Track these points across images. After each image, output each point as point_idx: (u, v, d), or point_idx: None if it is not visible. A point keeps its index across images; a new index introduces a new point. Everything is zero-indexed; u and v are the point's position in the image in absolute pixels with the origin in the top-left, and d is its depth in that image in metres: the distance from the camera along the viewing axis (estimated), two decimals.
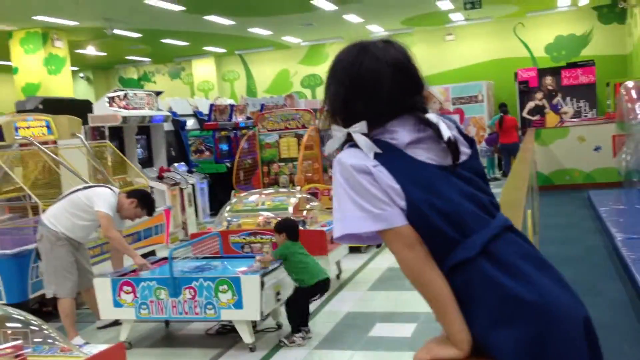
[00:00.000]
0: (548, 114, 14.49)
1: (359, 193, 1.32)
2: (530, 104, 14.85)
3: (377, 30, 17.47)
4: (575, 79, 14.61)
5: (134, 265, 4.89)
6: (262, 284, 4.31)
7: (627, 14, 15.68)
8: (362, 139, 1.37)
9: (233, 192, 7.92)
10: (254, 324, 4.57)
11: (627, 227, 6.24)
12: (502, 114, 12.65)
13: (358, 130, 1.38)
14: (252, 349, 4.38)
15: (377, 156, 1.35)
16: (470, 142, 1.45)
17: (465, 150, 1.42)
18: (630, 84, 9.01)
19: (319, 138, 8.05)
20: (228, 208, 6.44)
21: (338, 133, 1.42)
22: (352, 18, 15.34)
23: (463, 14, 15.99)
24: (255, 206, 6.46)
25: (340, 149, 1.42)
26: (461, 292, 1.30)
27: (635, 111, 8.47)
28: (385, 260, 6.68)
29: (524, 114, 14.75)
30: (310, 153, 7.96)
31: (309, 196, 6.54)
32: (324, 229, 5.66)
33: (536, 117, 14.52)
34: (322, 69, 19.81)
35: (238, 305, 4.33)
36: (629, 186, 8.72)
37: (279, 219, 5.13)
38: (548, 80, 14.78)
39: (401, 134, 1.38)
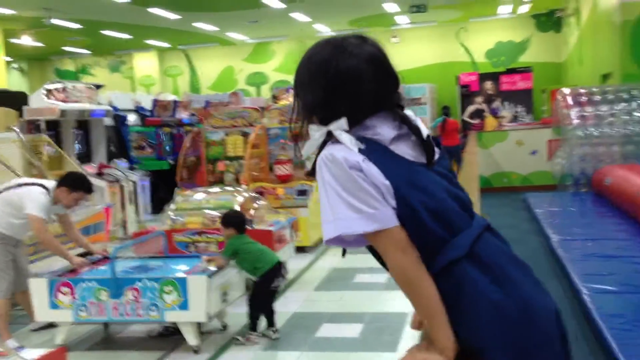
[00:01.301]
0: (487, 118, 14.89)
1: (350, 191, 1.27)
2: (471, 108, 15.23)
3: (324, 30, 17.51)
4: (514, 84, 15.08)
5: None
6: (210, 285, 4.23)
7: (563, 23, 16.28)
8: (345, 136, 1.32)
9: (177, 190, 7.75)
10: (199, 326, 4.48)
11: (562, 228, 6.46)
12: (444, 116, 12.90)
13: (338, 127, 1.34)
14: (196, 351, 4.29)
15: (361, 152, 1.30)
16: (437, 141, 1.44)
17: (436, 149, 1.41)
18: (566, 91, 9.36)
19: (266, 136, 7.98)
20: (172, 206, 6.30)
21: (316, 133, 1.37)
22: (299, 17, 15.31)
23: (408, 17, 16.23)
24: (200, 205, 6.34)
25: (320, 150, 1.37)
26: (447, 296, 1.29)
27: (570, 117, 8.79)
28: (330, 260, 6.70)
29: (465, 117, 15.12)
30: (257, 152, 7.88)
31: (255, 195, 6.47)
32: (271, 228, 5.60)
33: (476, 121, 14.90)
34: (268, 67, 19.78)
35: (184, 306, 4.23)
36: (563, 189, 9.06)
37: (226, 212, 5.00)
38: (488, 84, 15.21)
39: (384, 130, 1.34)
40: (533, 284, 1.34)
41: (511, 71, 15.45)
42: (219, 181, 8.12)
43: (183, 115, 11.43)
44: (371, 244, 1.34)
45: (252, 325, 4.46)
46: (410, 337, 4.30)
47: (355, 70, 1.34)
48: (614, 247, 5.43)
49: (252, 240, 4.58)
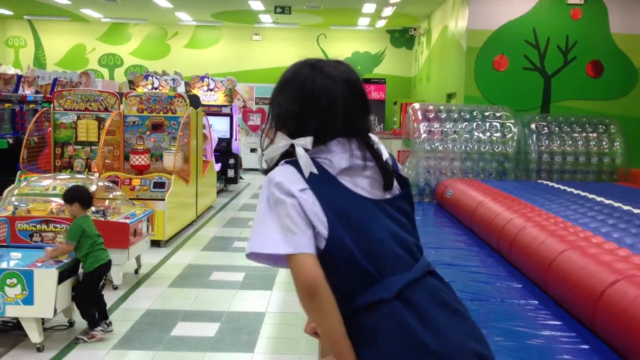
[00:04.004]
0: None
1: (276, 213, 1.31)
2: None
3: (185, 19, 17.07)
4: (369, 94, 15.66)
5: None
6: (60, 279, 3.97)
7: (415, 41, 17.37)
8: (304, 155, 1.35)
9: (19, 173, 7.15)
10: (42, 321, 4.19)
11: None
12: None
13: (303, 144, 1.36)
14: (39, 349, 4.01)
15: (309, 180, 1.33)
16: (404, 182, 1.46)
17: (395, 186, 1.44)
18: (417, 105, 9.99)
19: (122, 123, 7.62)
20: (15, 191, 5.81)
21: (282, 141, 1.39)
22: (161, 2, 14.78)
23: (272, 17, 16.35)
24: (46, 191, 5.91)
25: (277, 162, 1.40)
26: (369, 332, 1.31)
27: (419, 131, 9.42)
28: (186, 256, 6.57)
29: None
30: (112, 139, 7.50)
31: (110, 184, 6.16)
32: (128, 221, 5.38)
33: None
34: (124, 50, 18.88)
35: (28, 301, 3.93)
36: None
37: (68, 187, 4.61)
38: None
39: (336, 158, 1.37)
40: (460, 329, 1.34)
41: (366, 81, 16.16)
42: (67, 167, 7.63)
43: (27, 91, 10.54)
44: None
45: (91, 322, 4.25)
46: (267, 338, 4.37)
47: (330, 90, 1.39)
48: (452, 256, 5.90)
49: (93, 224, 4.37)
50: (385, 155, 1.43)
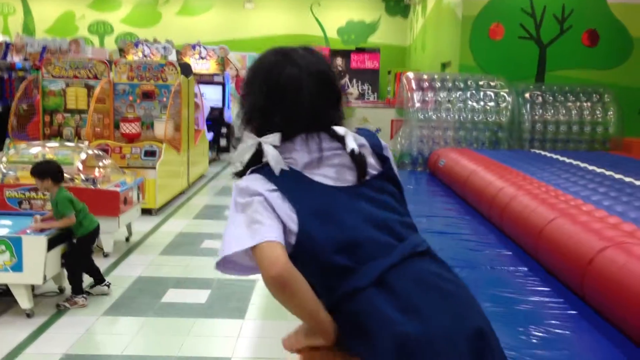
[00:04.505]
0: None
1: (244, 212, 1.27)
2: None
3: None
4: (362, 63, 15.67)
5: None
6: (50, 246, 3.95)
7: (411, 10, 17.17)
8: (272, 152, 1.31)
9: (8, 141, 7.07)
10: (32, 288, 4.18)
11: None
12: None
13: (270, 141, 1.32)
14: (29, 315, 4.01)
15: (277, 178, 1.30)
16: (383, 159, 1.41)
17: (373, 166, 1.37)
18: (411, 75, 9.91)
19: (112, 92, 7.53)
20: (4, 159, 5.75)
21: (250, 141, 1.35)
22: None
23: None
24: (35, 158, 5.86)
25: (247, 164, 1.37)
26: (352, 322, 1.26)
27: (413, 100, 9.36)
28: (178, 224, 6.56)
29: None
30: (102, 107, 7.41)
31: (100, 153, 6.10)
32: (118, 189, 5.35)
33: None
34: (114, 17, 18.59)
35: (17, 267, 3.92)
36: (402, 167, 9.66)
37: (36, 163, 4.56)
38: (338, 61, 15.62)
39: (298, 155, 1.33)
40: (449, 311, 1.25)
41: (360, 50, 16.02)
42: (57, 135, 7.55)
43: (16, 59, 10.40)
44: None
45: (77, 288, 4.25)
46: (257, 304, 4.38)
47: (296, 80, 1.34)
48: (444, 224, 5.90)
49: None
50: (351, 145, 1.35)
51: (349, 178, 1.34)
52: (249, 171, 1.37)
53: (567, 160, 7.26)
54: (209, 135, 10.56)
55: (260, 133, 1.36)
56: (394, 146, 10.67)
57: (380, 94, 15.78)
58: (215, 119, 11.33)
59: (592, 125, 9.08)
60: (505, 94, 9.16)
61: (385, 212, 1.34)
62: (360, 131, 1.44)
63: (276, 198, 1.28)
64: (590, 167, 6.51)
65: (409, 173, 9.17)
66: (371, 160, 1.38)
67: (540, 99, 9.21)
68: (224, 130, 11.70)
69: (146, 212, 6.54)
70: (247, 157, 1.37)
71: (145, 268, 5.10)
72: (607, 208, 4.37)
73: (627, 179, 5.60)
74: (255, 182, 1.31)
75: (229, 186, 9.11)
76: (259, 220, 1.25)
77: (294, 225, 1.27)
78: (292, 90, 1.34)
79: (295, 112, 1.34)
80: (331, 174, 1.33)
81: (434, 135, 9.03)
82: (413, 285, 1.26)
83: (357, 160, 1.34)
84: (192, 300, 4.42)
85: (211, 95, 11.28)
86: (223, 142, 11.74)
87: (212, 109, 11.09)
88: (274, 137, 1.33)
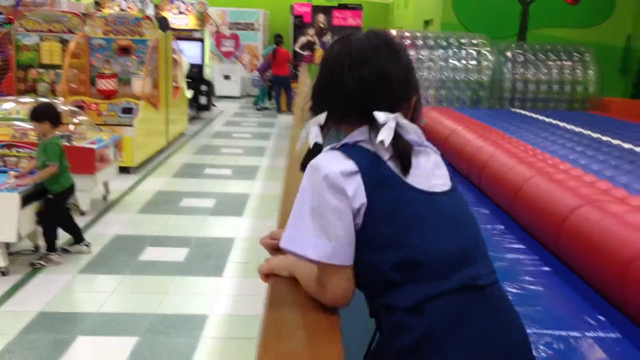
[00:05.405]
0: (317, 51, 15.14)
1: (321, 211, 1.13)
2: (303, 39, 15.34)
3: None
4: (344, 20, 15.42)
5: None
6: (23, 203, 3.89)
7: None
8: (315, 130, 1.22)
9: None
10: (7, 246, 4.14)
11: None
12: (276, 45, 12.90)
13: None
14: (4, 273, 3.98)
15: (362, 163, 1.15)
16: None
17: (444, 175, 1.24)
18: (393, 32, 9.78)
19: (87, 46, 7.34)
20: None
21: (312, 123, 1.24)
22: None
23: None
24: (9, 115, 5.73)
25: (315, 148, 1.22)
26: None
27: None
28: (156, 182, 6.50)
29: (296, 48, 15.22)
30: (77, 62, 7.23)
31: (75, 109, 5.98)
32: (93, 146, 5.26)
33: (307, 53, 15.08)
34: None
35: None
36: None
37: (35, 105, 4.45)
38: (320, 17, 15.37)
39: (379, 146, 1.17)
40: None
41: (343, 7, 15.74)
42: (31, 90, 7.38)
43: None
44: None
45: (51, 245, 4.22)
46: (236, 262, 4.38)
47: (385, 75, 1.20)
48: None
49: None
50: (389, 134, 1.18)
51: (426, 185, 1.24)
52: (327, 147, 1.21)
53: (547, 120, 7.28)
54: (189, 93, 10.40)
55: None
56: None
57: None
58: (195, 77, 11.14)
59: (572, 84, 9.08)
60: (487, 53, 9.10)
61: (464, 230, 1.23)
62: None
63: (358, 186, 1.15)
64: (569, 127, 6.53)
65: None
66: (442, 171, 1.28)
67: (522, 57, 9.17)
68: (204, 87, 11.52)
69: (124, 170, 6.46)
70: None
71: (123, 226, 5.06)
72: (583, 167, 4.40)
73: (605, 138, 5.63)
74: (339, 160, 1.16)
75: (209, 144, 9.02)
76: (337, 233, 1.13)
77: (359, 219, 1.15)
78: (396, 83, 1.21)
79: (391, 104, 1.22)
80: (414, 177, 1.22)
81: None
82: (450, 322, 1.13)
83: (401, 149, 1.21)
84: (171, 259, 4.40)
85: (190, 52, 11.06)
86: (203, 100, 11.57)
87: (192, 66, 10.89)
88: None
